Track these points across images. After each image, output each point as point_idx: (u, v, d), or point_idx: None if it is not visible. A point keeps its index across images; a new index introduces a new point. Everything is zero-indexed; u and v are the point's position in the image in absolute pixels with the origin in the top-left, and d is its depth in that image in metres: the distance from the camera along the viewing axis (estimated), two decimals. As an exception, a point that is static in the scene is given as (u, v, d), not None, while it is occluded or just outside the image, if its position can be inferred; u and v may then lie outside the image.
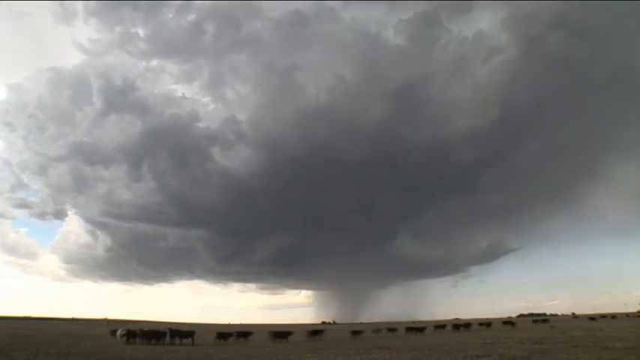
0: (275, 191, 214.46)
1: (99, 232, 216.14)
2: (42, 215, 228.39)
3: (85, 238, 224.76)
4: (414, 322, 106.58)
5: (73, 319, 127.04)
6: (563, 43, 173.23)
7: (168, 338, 29.08)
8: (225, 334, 32.65)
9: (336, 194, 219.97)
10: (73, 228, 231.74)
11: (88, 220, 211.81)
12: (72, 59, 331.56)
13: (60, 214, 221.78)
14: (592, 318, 77.10)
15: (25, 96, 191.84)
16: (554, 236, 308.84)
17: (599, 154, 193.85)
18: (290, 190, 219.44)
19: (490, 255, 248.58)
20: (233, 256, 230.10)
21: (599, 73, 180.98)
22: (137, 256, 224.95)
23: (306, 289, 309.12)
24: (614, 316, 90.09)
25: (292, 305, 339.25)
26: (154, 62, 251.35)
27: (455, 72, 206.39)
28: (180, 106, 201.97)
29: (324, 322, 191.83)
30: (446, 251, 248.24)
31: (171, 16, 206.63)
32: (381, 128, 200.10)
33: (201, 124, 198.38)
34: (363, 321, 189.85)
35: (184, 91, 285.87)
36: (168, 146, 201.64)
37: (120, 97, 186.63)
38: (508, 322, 58.82)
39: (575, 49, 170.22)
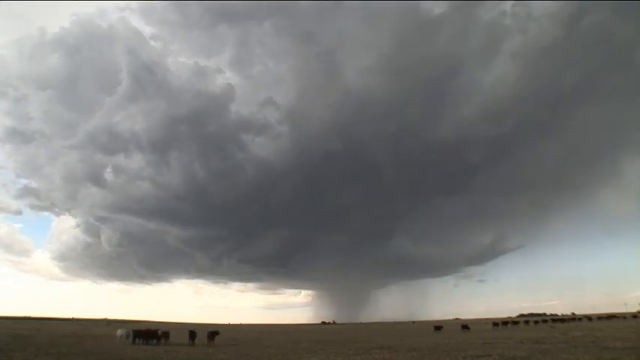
0: (293, 187, 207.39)
1: (102, 228, 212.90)
2: (48, 208, 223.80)
3: (85, 235, 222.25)
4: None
5: (72, 319, 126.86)
6: (604, 21, 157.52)
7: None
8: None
9: (352, 191, 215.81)
10: (72, 224, 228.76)
11: (89, 216, 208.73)
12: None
13: (65, 209, 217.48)
14: (591, 318, 76.39)
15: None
16: (554, 236, 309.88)
17: (613, 151, 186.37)
18: (309, 186, 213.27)
19: (490, 255, 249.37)
20: (233, 255, 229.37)
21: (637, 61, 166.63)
22: (137, 255, 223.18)
23: (306, 289, 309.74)
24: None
25: (292, 305, 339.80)
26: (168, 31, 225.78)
27: (484, 61, 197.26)
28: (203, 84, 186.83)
29: (324, 322, 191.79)
30: (446, 251, 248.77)
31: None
32: (411, 126, 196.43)
33: (232, 107, 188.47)
34: (363, 321, 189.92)
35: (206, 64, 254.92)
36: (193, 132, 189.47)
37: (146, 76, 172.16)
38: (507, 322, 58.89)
39: (616, 30, 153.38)
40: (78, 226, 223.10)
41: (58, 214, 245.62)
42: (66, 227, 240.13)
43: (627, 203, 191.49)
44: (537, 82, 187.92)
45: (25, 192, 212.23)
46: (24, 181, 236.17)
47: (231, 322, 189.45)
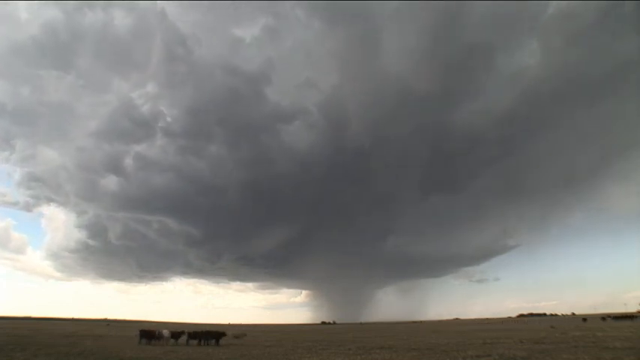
0: (311, 183, 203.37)
1: (107, 224, 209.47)
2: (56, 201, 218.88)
3: (86, 233, 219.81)
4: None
5: (72, 319, 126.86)
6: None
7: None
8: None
9: (363, 190, 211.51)
10: (73, 220, 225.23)
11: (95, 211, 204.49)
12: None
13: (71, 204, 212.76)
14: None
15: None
16: (554, 235, 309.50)
17: (628, 148, 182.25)
18: (328, 183, 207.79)
19: (490, 255, 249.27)
20: (233, 255, 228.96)
21: None
22: (139, 254, 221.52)
23: (306, 289, 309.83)
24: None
25: (292, 305, 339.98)
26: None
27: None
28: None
29: (324, 322, 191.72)
30: (446, 251, 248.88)
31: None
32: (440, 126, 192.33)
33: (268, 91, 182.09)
34: (363, 321, 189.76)
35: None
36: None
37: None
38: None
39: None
40: (80, 223, 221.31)
41: (63, 205, 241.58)
42: (64, 224, 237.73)
43: (632, 201, 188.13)
44: (555, 76, 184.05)
45: (28, 184, 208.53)
46: (27, 171, 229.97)
47: (231, 322, 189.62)
